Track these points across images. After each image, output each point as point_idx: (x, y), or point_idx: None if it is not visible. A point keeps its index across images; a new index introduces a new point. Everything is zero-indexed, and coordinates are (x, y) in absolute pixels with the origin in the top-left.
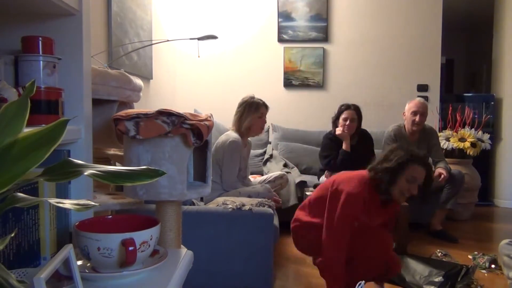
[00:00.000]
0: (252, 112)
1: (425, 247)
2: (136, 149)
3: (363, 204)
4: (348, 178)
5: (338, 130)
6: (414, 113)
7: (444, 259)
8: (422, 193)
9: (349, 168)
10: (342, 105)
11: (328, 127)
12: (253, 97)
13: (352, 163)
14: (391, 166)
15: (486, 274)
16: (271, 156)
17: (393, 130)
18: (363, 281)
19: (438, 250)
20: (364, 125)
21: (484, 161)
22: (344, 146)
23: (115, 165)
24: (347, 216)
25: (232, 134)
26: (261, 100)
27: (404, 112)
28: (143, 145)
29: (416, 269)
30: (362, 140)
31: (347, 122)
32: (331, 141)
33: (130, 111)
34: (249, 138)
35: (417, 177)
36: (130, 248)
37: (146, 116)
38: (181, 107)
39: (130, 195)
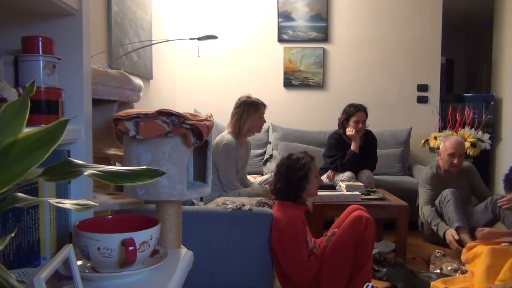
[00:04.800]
0: (252, 112)
1: (424, 248)
2: (136, 149)
3: (301, 220)
4: (283, 216)
5: (350, 131)
6: (452, 155)
7: (443, 259)
8: None
9: (354, 169)
10: (351, 106)
11: (328, 127)
12: (250, 97)
13: (357, 164)
14: (303, 173)
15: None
16: (271, 156)
17: (426, 174)
18: (371, 283)
19: (437, 251)
20: None
21: (484, 161)
22: (353, 147)
23: (115, 165)
24: (298, 237)
25: (226, 136)
26: (259, 100)
27: (439, 152)
28: (143, 145)
29: None
30: (367, 141)
31: (360, 125)
32: (337, 141)
33: (130, 111)
34: (247, 138)
35: (317, 170)
36: (130, 248)
37: (146, 116)
38: (181, 107)
39: (130, 195)
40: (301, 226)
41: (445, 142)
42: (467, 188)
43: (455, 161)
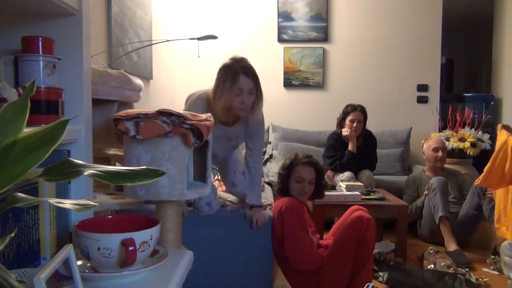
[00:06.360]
0: (228, 85)
1: (424, 248)
2: (136, 149)
3: (302, 208)
4: (281, 203)
5: (345, 131)
6: (436, 149)
7: (436, 255)
8: (317, 189)
9: (354, 169)
10: (348, 106)
11: (328, 127)
12: (237, 59)
13: (356, 164)
14: (282, 172)
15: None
16: (271, 156)
17: (407, 179)
18: (371, 283)
19: (431, 247)
20: None
21: (484, 161)
22: (350, 147)
23: (115, 165)
24: (297, 220)
25: (201, 93)
26: (242, 62)
27: (423, 152)
28: (143, 145)
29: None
30: (366, 141)
31: (355, 124)
32: (336, 142)
33: (130, 111)
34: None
35: (303, 177)
36: (130, 248)
37: (146, 116)
38: (181, 107)
39: (130, 195)
40: (300, 211)
41: (427, 142)
42: (455, 189)
43: (440, 153)
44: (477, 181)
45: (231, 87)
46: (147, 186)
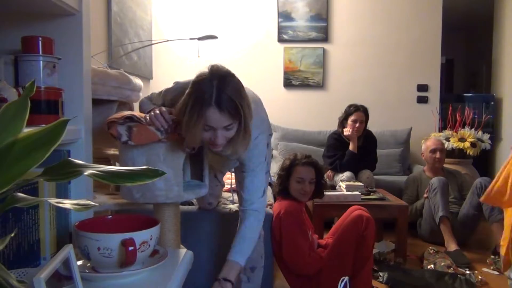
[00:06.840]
0: (193, 121)
1: (424, 248)
2: (130, 153)
3: (300, 211)
4: (279, 206)
5: (347, 131)
6: (434, 151)
7: (436, 256)
8: (317, 188)
9: (354, 169)
10: (351, 106)
11: (328, 127)
12: (214, 75)
13: (356, 164)
14: (281, 173)
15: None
16: (271, 156)
17: (406, 179)
18: (347, 277)
19: (430, 247)
20: None
21: (484, 161)
22: (351, 147)
23: (115, 165)
24: (296, 225)
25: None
26: (221, 83)
27: (422, 153)
28: (137, 149)
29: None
30: (366, 141)
31: (357, 124)
32: (336, 141)
33: (124, 113)
34: None
35: (303, 177)
36: (130, 248)
37: (140, 121)
38: None
39: (126, 198)
40: (299, 214)
41: (426, 143)
42: (455, 189)
43: (438, 155)
44: (481, 199)
45: (196, 122)
46: (143, 189)
